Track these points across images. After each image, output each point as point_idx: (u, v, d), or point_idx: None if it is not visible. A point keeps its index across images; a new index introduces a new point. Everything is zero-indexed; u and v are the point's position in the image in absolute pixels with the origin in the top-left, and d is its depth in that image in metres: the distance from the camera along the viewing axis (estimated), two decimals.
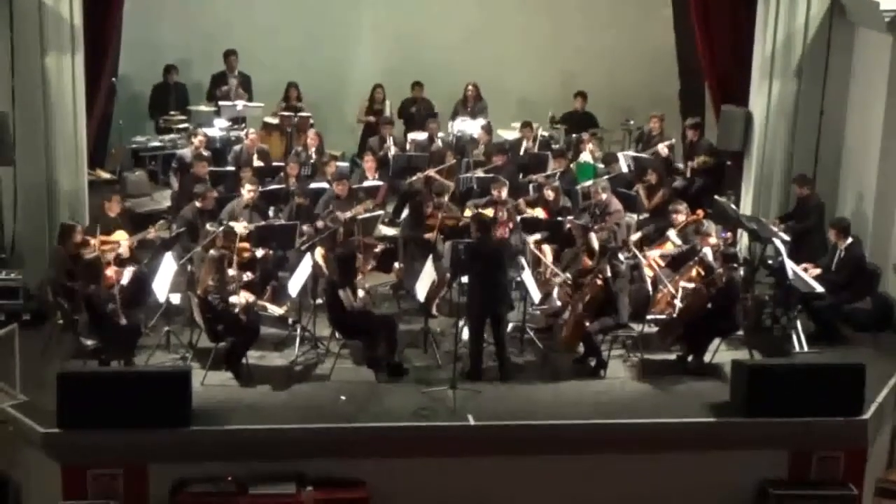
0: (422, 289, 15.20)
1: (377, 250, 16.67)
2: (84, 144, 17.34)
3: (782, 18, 17.75)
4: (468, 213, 17.42)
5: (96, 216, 16.69)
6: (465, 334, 15.06)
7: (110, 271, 14.96)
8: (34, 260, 16.53)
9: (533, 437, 13.76)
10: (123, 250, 15.72)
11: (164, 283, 14.98)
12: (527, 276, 15.43)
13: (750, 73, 18.39)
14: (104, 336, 14.47)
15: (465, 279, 15.21)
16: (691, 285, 15.49)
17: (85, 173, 17.58)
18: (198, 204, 16.93)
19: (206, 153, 19.01)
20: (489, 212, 17.18)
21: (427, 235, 16.94)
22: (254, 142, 19.61)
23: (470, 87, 22.13)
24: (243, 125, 20.83)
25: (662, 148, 19.95)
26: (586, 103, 22.15)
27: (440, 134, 20.92)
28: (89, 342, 14.56)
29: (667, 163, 19.88)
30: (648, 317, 15.64)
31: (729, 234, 16.90)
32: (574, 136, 21.19)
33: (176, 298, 15.28)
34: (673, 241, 16.69)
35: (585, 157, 20.06)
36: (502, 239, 15.91)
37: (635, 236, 17.22)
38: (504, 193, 17.38)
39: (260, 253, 16.34)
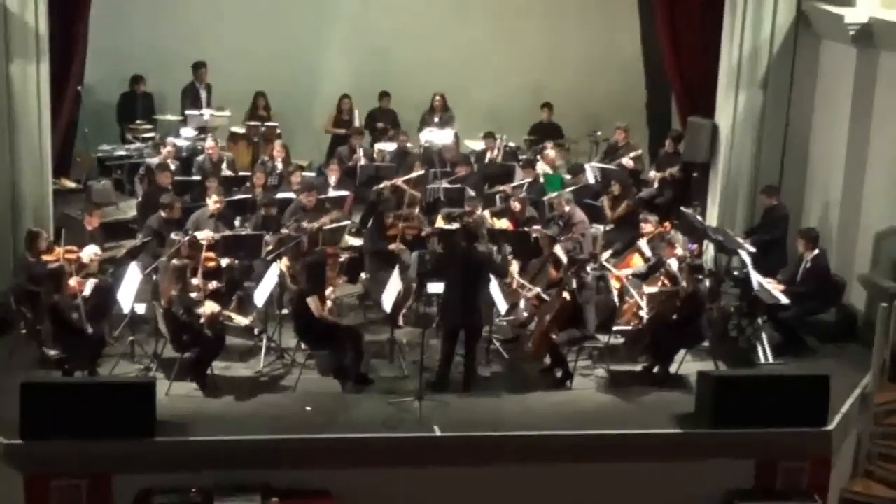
0: (388, 299, 15.16)
1: (341, 260, 16.63)
2: (49, 152, 17.23)
3: (748, 30, 17.82)
4: (440, 222, 17.41)
5: (62, 225, 16.55)
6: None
7: (73, 281, 14.86)
8: None
9: (499, 448, 13.73)
10: (87, 260, 15.60)
11: (128, 292, 14.90)
12: (493, 287, 15.41)
13: (716, 85, 18.45)
14: (68, 346, 14.40)
15: (438, 288, 15.08)
16: (655, 289, 15.50)
17: (49, 182, 17.46)
18: (163, 214, 16.85)
19: (173, 163, 18.95)
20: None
21: (391, 246, 16.90)
22: (214, 149, 19.54)
23: (437, 98, 22.15)
24: (211, 134, 20.74)
25: (627, 161, 20.01)
26: (552, 114, 22.17)
27: (408, 144, 20.90)
28: (53, 352, 14.49)
29: (633, 174, 19.92)
30: (615, 328, 15.66)
31: (695, 246, 16.93)
32: (540, 146, 21.19)
33: (141, 308, 15.19)
34: (643, 251, 16.71)
35: (540, 166, 19.99)
36: (490, 252, 15.87)
37: (606, 254, 17.20)
38: (478, 211, 17.38)
39: (225, 263, 16.28)
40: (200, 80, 21.76)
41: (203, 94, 21.72)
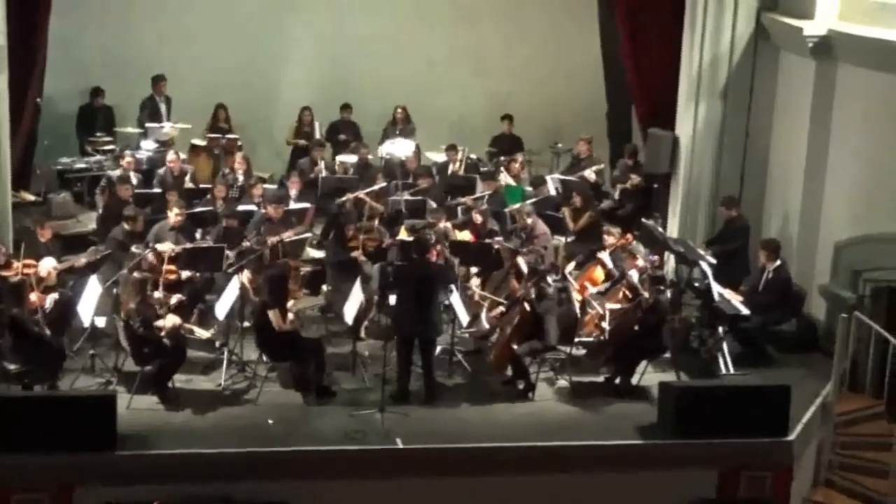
0: (350, 311, 15.15)
1: (304, 272, 16.62)
2: (8, 165, 17.15)
3: (708, 41, 17.90)
4: (403, 234, 17.41)
5: (21, 239, 16.46)
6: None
7: (34, 295, 14.78)
8: None
9: (461, 460, 13.73)
10: (46, 274, 15.52)
11: (89, 306, 14.83)
12: (455, 299, 15.41)
13: (676, 96, 18.52)
14: (28, 359, 14.31)
15: (394, 299, 15.13)
16: (618, 306, 15.55)
17: (9, 194, 17.38)
18: (127, 226, 16.78)
19: (135, 176, 18.90)
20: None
21: (353, 254, 16.89)
22: (175, 163, 19.48)
23: (399, 110, 22.17)
24: (170, 147, 20.68)
25: (590, 173, 20.05)
26: (513, 126, 22.21)
27: (369, 156, 20.90)
28: (12, 366, 14.38)
29: (594, 186, 19.98)
30: (577, 339, 15.68)
31: (656, 257, 16.97)
32: (502, 158, 21.22)
33: (101, 321, 15.12)
34: (604, 262, 16.74)
35: (505, 178, 20.05)
36: (442, 264, 15.88)
37: (569, 266, 17.22)
38: (441, 223, 17.39)
39: (186, 275, 16.23)
40: (159, 92, 21.69)
41: (162, 107, 21.64)
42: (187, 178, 19.67)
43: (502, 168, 20.45)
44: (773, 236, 17.31)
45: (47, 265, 15.44)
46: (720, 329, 15.98)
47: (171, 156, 19.74)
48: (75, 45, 21.60)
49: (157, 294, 15.11)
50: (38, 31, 17.99)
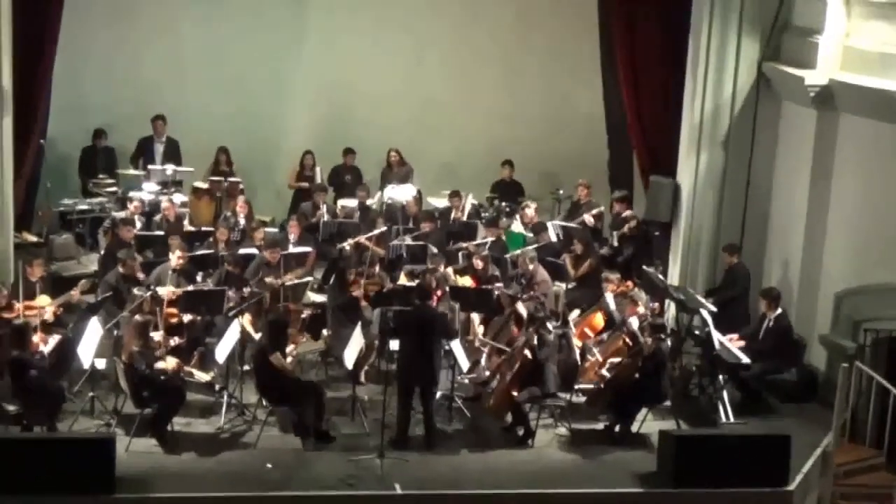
0: (350, 356, 15.14)
1: (304, 316, 16.61)
2: (10, 206, 17.21)
3: (710, 90, 17.98)
4: (404, 279, 17.41)
5: (21, 280, 16.46)
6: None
7: (36, 337, 14.78)
8: None
9: None
10: (48, 315, 15.55)
11: (89, 347, 14.82)
12: (455, 345, 15.41)
13: (678, 144, 18.57)
14: (27, 401, 14.29)
15: (396, 345, 15.11)
16: (619, 359, 15.55)
17: (11, 235, 17.42)
18: (121, 269, 16.77)
19: (140, 219, 18.95)
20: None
21: (354, 293, 16.88)
22: (171, 210, 19.49)
23: (393, 154, 22.20)
24: (173, 189, 20.71)
25: (588, 217, 20.06)
26: (514, 171, 22.24)
27: (370, 201, 20.93)
28: (11, 407, 14.38)
29: (593, 231, 19.98)
30: (576, 386, 15.68)
31: (656, 305, 16.98)
32: (505, 204, 21.24)
33: (101, 364, 15.10)
34: (607, 308, 16.75)
35: (517, 225, 20.12)
36: (444, 312, 15.88)
37: (573, 315, 17.23)
38: (441, 268, 17.40)
39: (187, 318, 16.24)
40: (159, 133, 21.72)
41: (160, 148, 21.65)
42: (186, 221, 19.68)
43: (517, 215, 20.43)
44: (774, 285, 17.33)
45: (50, 309, 15.49)
46: (720, 377, 15.97)
47: (164, 203, 19.73)
48: (78, 87, 21.63)
49: (158, 337, 15.10)
50: (42, 75, 18.04)
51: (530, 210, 20.51)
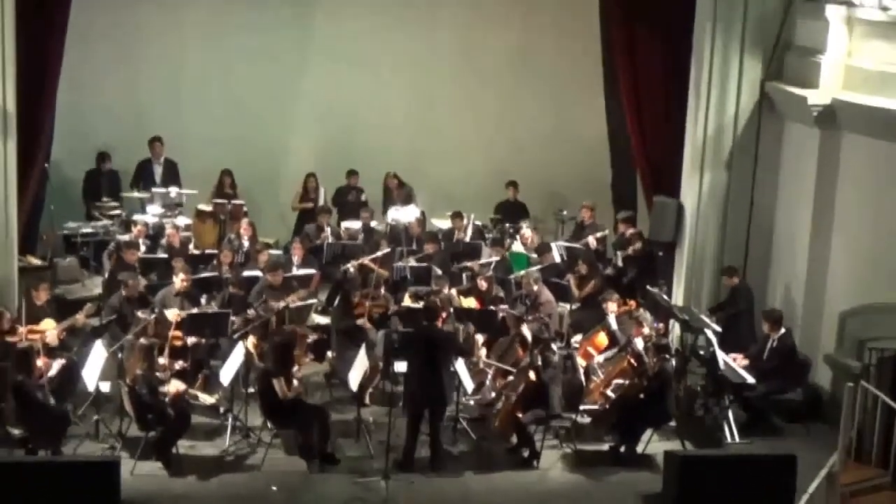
0: (354, 378, 15.13)
1: (310, 340, 16.61)
2: (14, 230, 17.22)
3: (713, 110, 18.00)
4: (408, 301, 17.41)
5: (23, 303, 16.46)
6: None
7: (40, 361, 14.79)
8: None
9: None
10: (52, 339, 15.55)
11: (93, 371, 14.82)
12: (460, 366, 15.40)
13: (681, 164, 18.59)
14: (32, 425, 14.29)
15: (404, 367, 15.08)
16: (624, 379, 15.53)
17: (15, 259, 17.43)
18: (123, 292, 16.79)
19: (144, 243, 18.97)
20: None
21: (359, 321, 16.89)
22: (175, 235, 19.51)
23: (390, 178, 22.27)
24: (177, 212, 20.73)
25: (591, 240, 20.06)
26: (518, 192, 22.25)
27: (374, 223, 20.95)
28: (16, 431, 14.38)
29: (597, 253, 19.98)
30: (581, 407, 15.66)
31: (661, 325, 16.97)
32: (508, 225, 21.25)
33: (106, 387, 15.12)
34: (610, 328, 16.75)
35: (518, 246, 20.13)
36: (450, 331, 15.88)
37: (576, 337, 17.23)
38: (446, 290, 17.40)
39: (192, 341, 16.24)
40: (156, 155, 21.73)
41: (158, 170, 21.67)
42: (191, 245, 19.74)
43: (517, 236, 20.44)
44: (778, 304, 17.32)
45: (54, 332, 15.50)
46: (725, 397, 15.95)
47: (169, 230, 19.77)
48: (82, 110, 21.70)
49: (162, 360, 15.11)
50: (46, 98, 18.06)
51: (527, 231, 20.52)
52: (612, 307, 17.01)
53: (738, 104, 17.97)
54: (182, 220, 20.32)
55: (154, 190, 21.22)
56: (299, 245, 19.31)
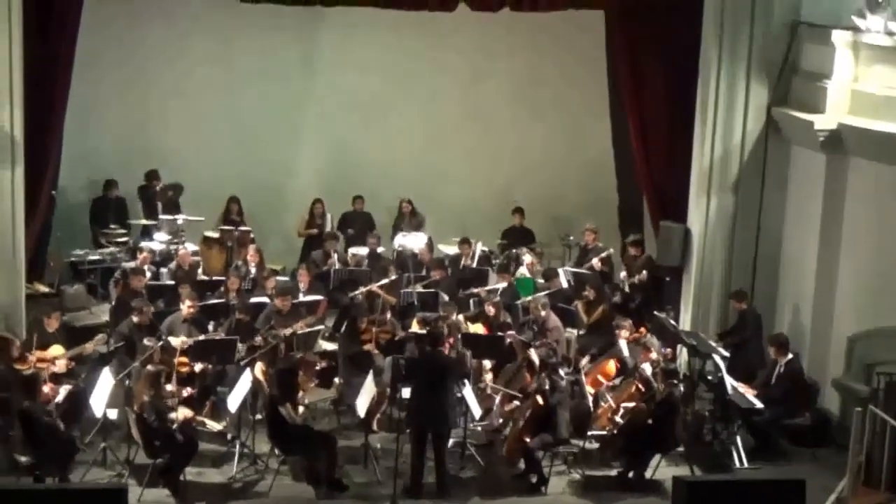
0: (362, 404, 15.12)
1: (318, 367, 16.60)
2: (22, 257, 17.25)
3: (719, 136, 18.03)
4: (415, 327, 17.40)
5: (34, 329, 16.47)
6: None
7: (47, 388, 14.79)
8: None
9: None
10: (60, 367, 15.55)
11: (101, 398, 14.82)
12: (467, 392, 15.38)
13: (688, 189, 18.59)
14: (39, 452, 14.28)
15: (408, 392, 15.10)
16: (632, 404, 15.50)
17: (23, 286, 17.45)
18: (135, 319, 16.79)
19: (150, 269, 19.00)
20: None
21: (366, 347, 16.87)
22: (186, 257, 19.55)
23: (405, 204, 22.25)
24: (184, 238, 20.76)
25: (597, 262, 20.05)
26: (524, 219, 22.26)
27: (381, 249, 20.95)
28: (24, 458, 14.37)
29: (604, 276, 19.96)
30: (589, 432, 15.64)
31: (668, 350, 16.95)
32: (514, 251, 21.24)
33: (113, 414, 15.11)
34: (621, 354, 16.73)
35: (523, 271, 20.13)
36: (455, 357, 15.87)
37: (584, 361, 17.22)
38: (453, 316, 17.39)
39: (199, 368, 16.24)
40: (153, 186, 21.80)
41: (159, 205, 21.71)
42: (199, 270, 19.77)
43: (523, 262, 20.43)
44: (786, 328, 17.32)
45: (62, 360, 15.52)
46: (734, 422, 15.92)
47: (182, 249, 19.82)
48: (89, 138, 21.73)
49: (170, 387, 15.11)
50: (53, 126, 18.12)
51: (527, 256, 20.50)
52: (624, 334, 16.99)
53: (745, 129, 18.00)
54: (190, 247, 20.32)
55: (161, 217, 21.25)
56: (305, 271, 19.28)
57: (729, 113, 17.93)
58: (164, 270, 19.64)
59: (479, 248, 20.82)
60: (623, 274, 20.06)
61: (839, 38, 16.89)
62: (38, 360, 15.46)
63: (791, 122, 17.51)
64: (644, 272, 19.56)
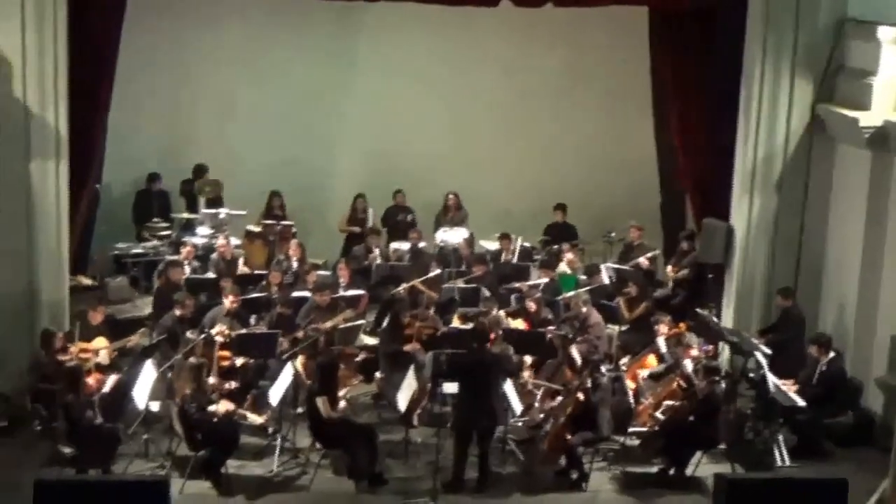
0: (403, 399, 15.14)
1: (358, 359, 16.63)
2: (66, 250, 17.33)
3: (763, 133, 17.91)
4: (457, 322, 17.41)
5: (77, 323, 16.57)
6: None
7: (91, 379, 14.89)
8: (13, 366, 16.42)
9: None
10: (103, 358, 15.64)
11: (143, 390, 14.90)
12: (508, 388, 15.37)
13: (731, 187, 18.51)
14: (82, 443, 14.38)
15: (451, 388, 15.07)
16: (673, 402, 15.46)
17: (66, 279, 17.54)
18: (177, 311, 16.88)
19: (192, 263, 19.11)
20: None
21: (406, 347, 16.89)
22: (226, 248, 19.64)
23: (450, 197, 22.24)
24: (226, 231, 20.83)
25: (643, 260, 20.03)
26: (566, 215, 22.22)
27: (422, 244, 20.97)
28: (67, 449, 14.47)
29: (647, 274, 19.94)
30: (630, 429, 15.61)
31: (710, 347, 16.89)
32: (555, 247, 21.22)
33: (155, 406, 15.18)
34: (660, 350, 16.70)
35: (563, 268, 20.11)
36: (500, 353, 15.86)
37: (624, 359, 17.18)
38: (494, 311, 17.38)
39: (240, 361, 16.30)
40: (200, 186, 21.90)
41: (201, 199, 21.81)
42: (240, 262, 19.83)
43: (563, 258, 20.40)
44: (829, 328, 17.21)
45: (105, 352, 15.63)
46: (775, 421, 15.84)
47: (220, 241, 19.91)
48: (133, 132, 21.84)
49: (212, 380, 15.17)
50: (98, 120, 18.21)
51: (569, 255, 20.44)
52: (663, 329, 16.96)
53: (789, 127, 17.87)
54: (232, 241, 20.40)
55: (204, 211, 21.36)
56: (345, 266, 19.31)
57: (773, 110, 17.82)
58: (213, 256, 19.72)
59: (520, 243, 20.79)
60: (669, 267, 20.03)
61: (885, 34, 16.77)
62: (81, 351, 15.55)
63: (836, 119, 17.40)
64: (687, 270, 19.51)
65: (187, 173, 22.24)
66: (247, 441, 15.44)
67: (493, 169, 23.42)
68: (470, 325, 16.47)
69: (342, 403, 15.03)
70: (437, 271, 19.25)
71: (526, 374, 16.61)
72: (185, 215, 21.71)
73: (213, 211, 21.32)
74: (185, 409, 14.61)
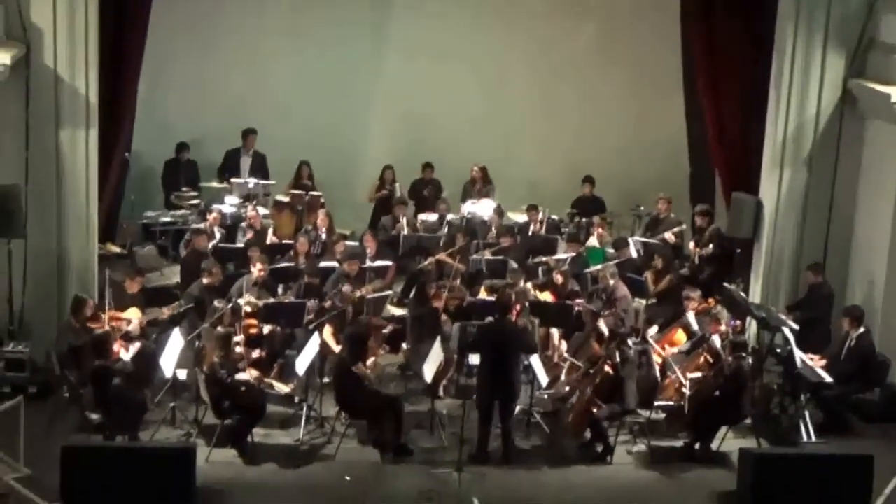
0: (429, 370, 15.17)
1: (386, 331, 16.66)
2: (95, 218, 17.37)
3: (793, 108, 17.79)
4: (484, 294, 17.41)
5: (108, 290, 16.59)
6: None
7: (118, 346, 14.95)
8: (42, 333, 16.52)
9: None
10: (133, 327, 15.70)
11: (171, 358, 14.96)
12: (535, 360, 15.38)
13: (760, 161, 18.42)
14: (110, 410, 14.45)
15: (475, 359, 15.13)
16: (699, 372, 15.44)
17: (95, 247, 17.58)
18: (205, 280, 16.92)
19: (219, 231, 19.14)
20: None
21: (435, 304, 16.85)
22: (255, 218, 19.68)
23: (476, 169, 22.20)
24: (255, 202, 20.86)
25: (670, 235, 19.98)
26: (594, 188, 22.17)
27: (450, 216, 20.96)
28: (94, 416, 14.57)
29: (675, 249, 19.88)
30: (656, 403, 15.61)
31: (738, 322, 16.84)
32: (584, 220, 21.18)
33: (183, 374, 15.23)
34: (689, 325, 16.66)
35: (593, 241, 20.09)
36: (523, 327, 15.87)
37: (652, 331, 17.16)
38: (521, 283, 17.37)
39: (267, 330, 16.34)
40: (248, 147, 21.91)
41: (247, 161, 21.85)
42: (270, 232, 19.87)
43: (593, 232, 20.36)
44: (857, 304, 17.13)
45: (135, 321, 15.69)
46: (802, 396, 15.81)
47: (250, 211, 19.95)
48: (163, 101, 21.93)
49: (239, 348, 15.21)
50: (128, 89, 18.20)
51: (599, 229, 20.40)
52: (693, 305, 16.93)
53: (820, 102, 17.75)
54: (261, 211, 20.42)
55: (234, 180, 21.38)
56: (371, 236, 19.30)
57: (804, 85, 17.69)
58: (243, 225, 19.76)
59: (546, 214, 20.76)
60: (692, 244, 19.97)
61: None
62: (112, 318, 15.62)
63: (867, 94, 17.28)
64: (710, 245, 19.45)
65: (217, 142, 22.21)
66: (273, 410, 15.49)
67: (522, 141, 23.40)
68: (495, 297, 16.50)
69: (369, 374, 15.06)
70: (464, 243, 19.21)
71: (562, 347, 16.61)
72: (215, 184, 21.71)
73: (243, 181, 21.33)
74: (212, 377, 14.66)
